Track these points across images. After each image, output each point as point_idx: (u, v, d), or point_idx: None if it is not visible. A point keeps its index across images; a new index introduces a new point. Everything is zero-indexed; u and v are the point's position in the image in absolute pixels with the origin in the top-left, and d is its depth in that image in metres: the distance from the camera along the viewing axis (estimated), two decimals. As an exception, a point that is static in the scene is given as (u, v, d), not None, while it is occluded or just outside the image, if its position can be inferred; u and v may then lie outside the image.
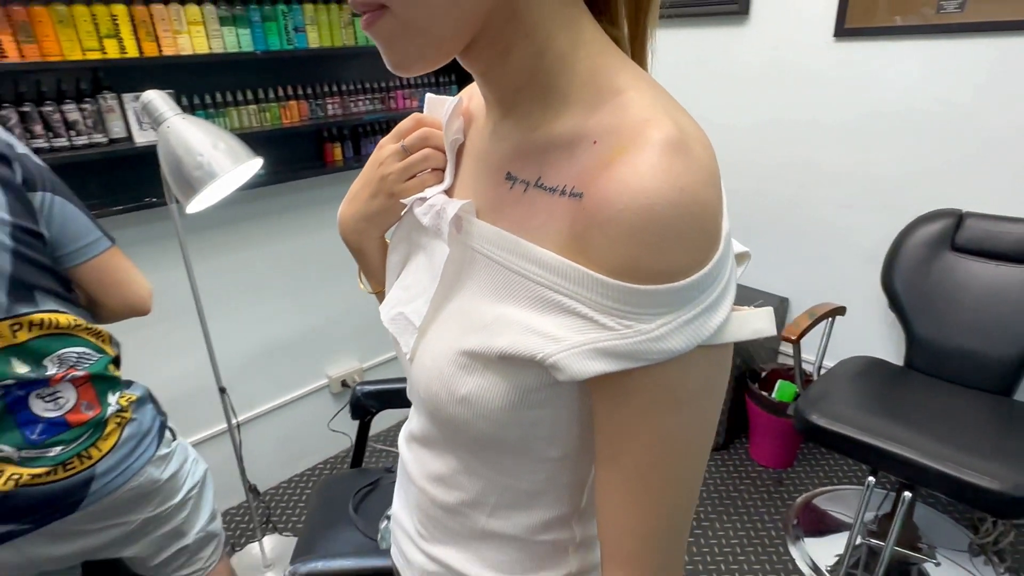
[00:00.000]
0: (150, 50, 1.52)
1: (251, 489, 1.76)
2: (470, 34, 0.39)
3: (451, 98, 0.51)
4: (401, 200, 0.52)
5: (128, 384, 1.00)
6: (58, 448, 0.87)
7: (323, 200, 2.05)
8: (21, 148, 0.88)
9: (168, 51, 1.55)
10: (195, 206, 1.22)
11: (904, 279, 1.74)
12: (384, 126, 2.11)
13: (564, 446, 0.45)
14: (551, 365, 0.37)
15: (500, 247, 0.41)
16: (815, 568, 1.70)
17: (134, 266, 1.02)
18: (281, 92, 1.81)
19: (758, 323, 0.37)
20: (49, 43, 1.38)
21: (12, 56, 1.34)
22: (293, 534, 1.94)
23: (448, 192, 0.50)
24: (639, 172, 0.33)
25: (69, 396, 0.89)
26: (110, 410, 0.93)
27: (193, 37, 1.58)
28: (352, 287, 2.14)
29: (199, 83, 1.68)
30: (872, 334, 1.99)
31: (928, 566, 1.67)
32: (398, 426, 2.29)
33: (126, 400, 0.96)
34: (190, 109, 1.63)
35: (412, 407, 0.58)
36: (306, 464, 2.23)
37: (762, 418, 2.03)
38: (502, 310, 0.40)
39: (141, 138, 1.55)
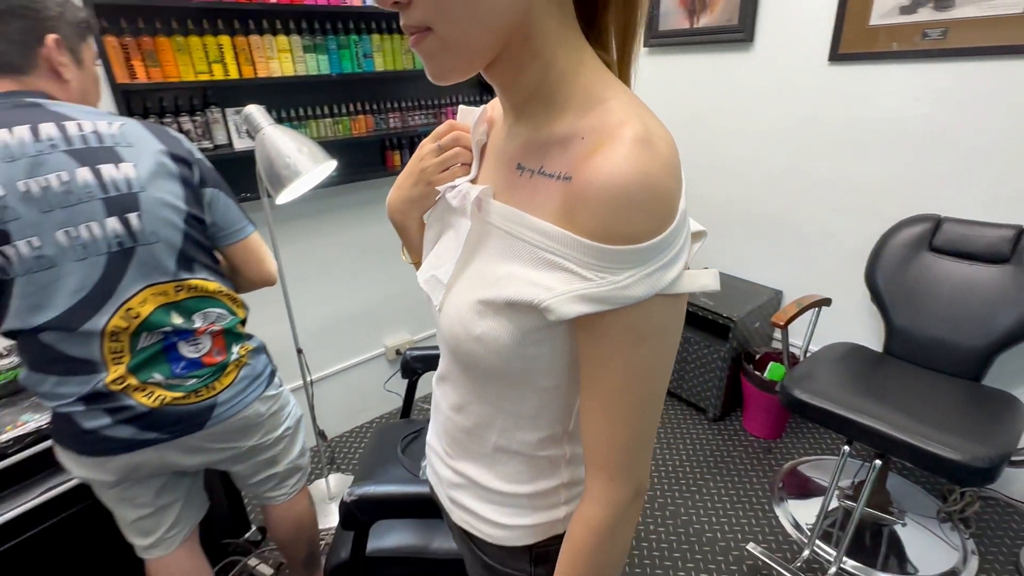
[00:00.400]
0: (248, 72, 1.59)
1: (320, 434, 1.85)
2: (493, 53, 0.42)
3: (478, 108, 0.55)
4: (436, 187, 0.56)
5: (249, 337, 1.09)
6: (193, 380, 0.97)
7: (384, 198, 2.09)
8: (198, 154, 0.99)
9: (262, 73, 1.62)
10: (283, 198, 1.29)
11: (886, 275, 1.71)
12: (436, 137, 2.14)
13: (556, 378, 0.48)
14: (544, 308, 0.41)
15: (510, 220, 0.45)
16: (796, 525, 1.69)
17: (267, 247, 1.11)
18: (351, 107, 1.87)
19: (705, 280, 0.41)
20: (169, 67, 1.47)
21: (141, 78, 1.44)
22: (352, 473, 2.01)
23: (473, 181, 0.54)
24: (613, 161, 0.37)
25: (206, 344, 0.99)
26: (232, 357, 1.03)
27: (282, 62, 1.65)
28: (406, 271, 2.21)
29: (286, 99, 1.75)
30: (855, 323, 1.95)
31: (897, 527, 1.65)
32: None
33: (244, 350, 1.06)
34: (278, 121, 1.71)
35: (441, 354, 0.62)
36: (365, 418, 2.30)
37: (754, 394, 2.02)
38: (510, 268, 0.44)
39: (239, 144, 1.64)
